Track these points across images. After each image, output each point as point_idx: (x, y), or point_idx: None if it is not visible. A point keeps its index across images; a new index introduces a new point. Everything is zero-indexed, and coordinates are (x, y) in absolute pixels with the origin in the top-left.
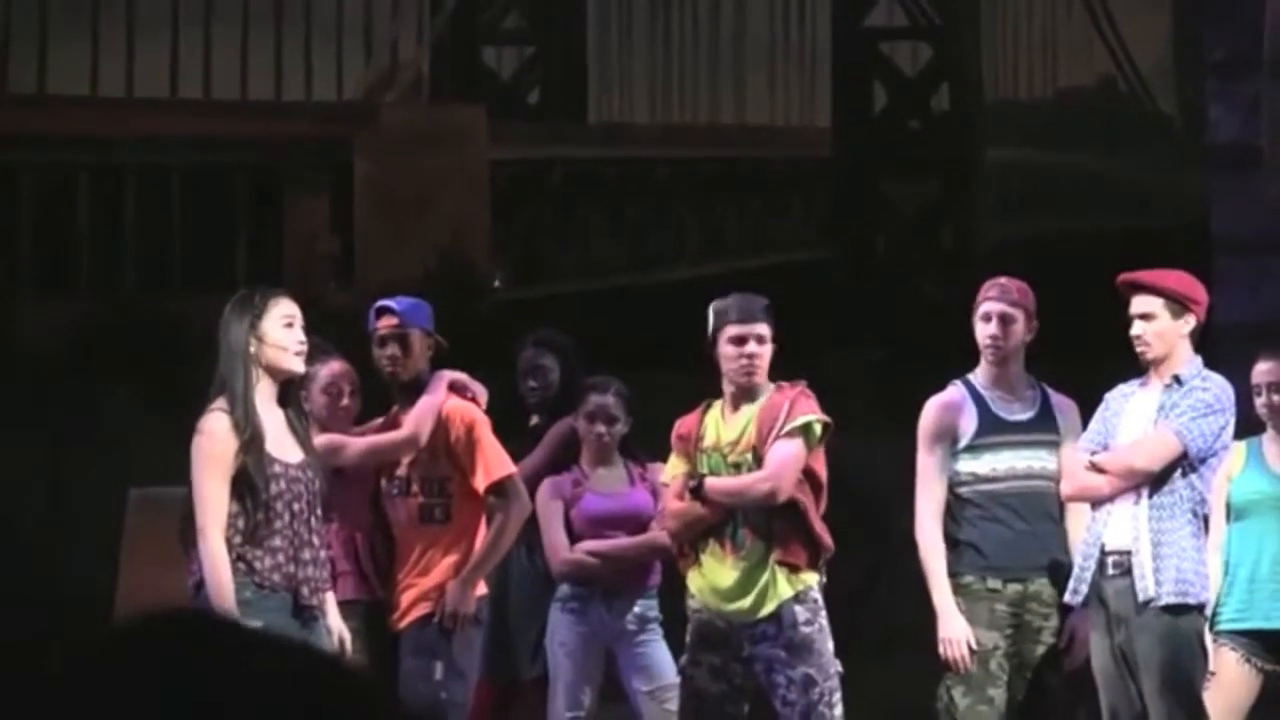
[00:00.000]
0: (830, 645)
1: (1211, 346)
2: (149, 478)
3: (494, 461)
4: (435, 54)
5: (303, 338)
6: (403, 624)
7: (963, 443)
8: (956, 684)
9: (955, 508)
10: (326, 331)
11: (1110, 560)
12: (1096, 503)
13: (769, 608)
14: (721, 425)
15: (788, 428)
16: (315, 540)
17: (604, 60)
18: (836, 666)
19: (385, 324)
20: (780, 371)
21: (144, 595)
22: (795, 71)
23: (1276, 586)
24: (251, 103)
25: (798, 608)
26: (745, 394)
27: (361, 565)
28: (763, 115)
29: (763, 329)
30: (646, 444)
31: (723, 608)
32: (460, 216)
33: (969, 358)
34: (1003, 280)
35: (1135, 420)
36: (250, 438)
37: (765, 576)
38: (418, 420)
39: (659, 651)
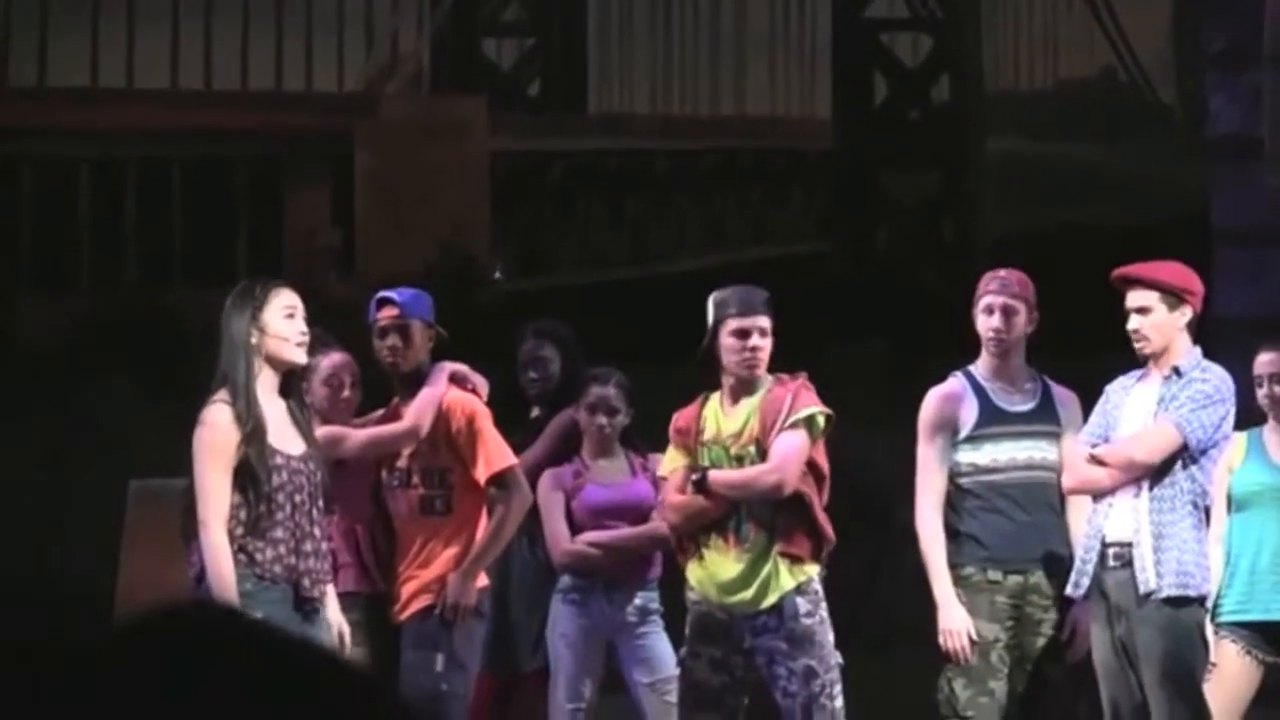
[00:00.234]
0: (831, 637)
1: (1212, 338)
2: (150, 474)
3: (495, 453)
4: (436, 46)
5: (304, 328)
6: (403, 616)
7: (963, 433)
8: (957, 676)
9: (956, 499)
10: (327, 323)
11: (1111, 552)
12: (1097, 495)
13: (771, 599)
14: (721, 418)
15: (791, 420)
16: (316, 532)
17: (604, 52)
18: (837, 658)
19: (386, 315)
20: (781, 363)
21: (144, 587)
22: (796, 63)
23: (1277, 578)
24: (252, 94)
25: (799, 599)
26: (745, 386)
27: (362, 557)
28: (763, 107)
29: (764, 321)
30: (647, 435)
31: (724, 600)
32: (461, 208)
33: (970, 350)
34: (1003, 272)
35: (1135, 412)
36: (252, 429)
37: (768, 568)
38: (419, 412)
39: (660, 643)
